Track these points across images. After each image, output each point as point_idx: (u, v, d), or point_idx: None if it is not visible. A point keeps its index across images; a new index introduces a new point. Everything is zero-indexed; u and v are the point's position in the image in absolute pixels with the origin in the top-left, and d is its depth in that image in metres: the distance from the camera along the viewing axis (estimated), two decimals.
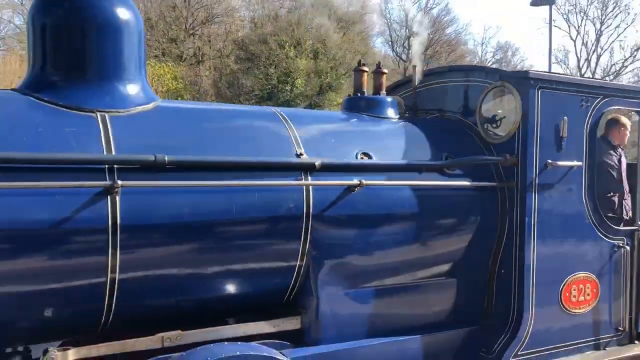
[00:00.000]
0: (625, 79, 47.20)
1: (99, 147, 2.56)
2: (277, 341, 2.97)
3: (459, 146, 3.54)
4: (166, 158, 2.59)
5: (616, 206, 3.93)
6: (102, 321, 2.66)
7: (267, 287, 3.01)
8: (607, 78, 47.37)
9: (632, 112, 3.98)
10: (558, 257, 3.53)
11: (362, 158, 3.15)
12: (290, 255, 2.96)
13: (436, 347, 3.31)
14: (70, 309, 2.59)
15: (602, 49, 47.17)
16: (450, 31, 54.26)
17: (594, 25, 47.12)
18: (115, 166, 2.53)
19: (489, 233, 3.48)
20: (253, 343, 2.82)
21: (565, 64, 46.50)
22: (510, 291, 3.47)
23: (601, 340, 3.77)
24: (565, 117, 3.46)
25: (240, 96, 33.85)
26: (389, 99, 3.67)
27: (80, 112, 2.65)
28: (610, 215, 3.86)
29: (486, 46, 55.08)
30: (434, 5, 51.73)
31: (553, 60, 51.76)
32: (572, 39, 47.42)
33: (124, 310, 2.65)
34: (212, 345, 2.64)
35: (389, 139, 3.41)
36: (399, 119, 3.65)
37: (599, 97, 3.63)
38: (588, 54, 47.59)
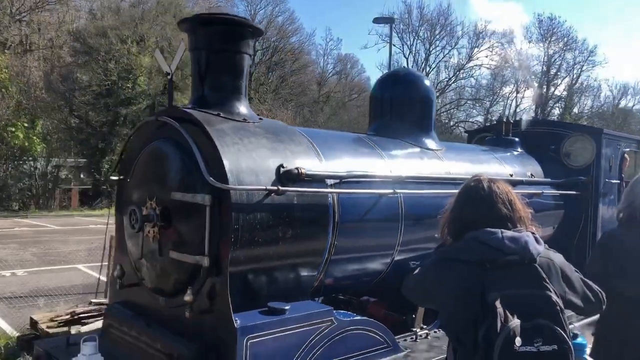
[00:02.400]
0: (449, 96, 55.77)
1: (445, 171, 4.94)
2: None
3: (559, 169, 6.45)
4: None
5: None
6: None
7: None
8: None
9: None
10: None
11: (531, 176, 5.89)
12: None
13: None
14: None
15: (430, 67, 55.16)
16: (295, 40, 58.44)
17: (424, 45, 54.98)
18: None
19: (577, 222, 6.43)
20: None
21: None
22: (584, 257, 6.45)
23: None
24: (612, 155, 6.59)
25: (75, 91, 33.39)
26: (517, 139, 6.45)
27: (429, 150, 4.98)
28: None
29: (327, 57, 60.25)
30: (279, 14, 55.19)
31: None
32: (405, 56, 54.65)
33: None
34: None
35: (530, 164, 6.19)
36: (523, 152, 6.44)
37: (622, 142, 6.84)
38: (419, 71, 55.25)
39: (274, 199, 3.49)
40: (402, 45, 53.41)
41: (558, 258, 2.32)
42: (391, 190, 4.20)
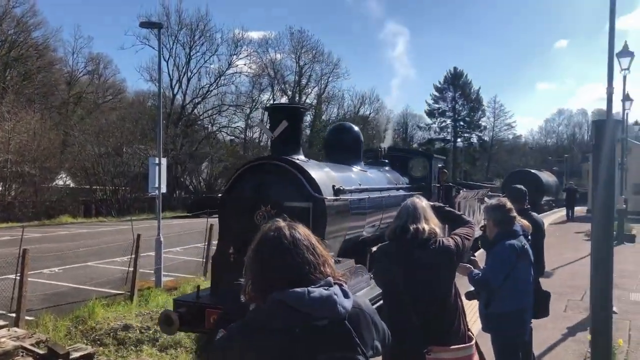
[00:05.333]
0: (211, 102, 59.87)
1: (394, 181, 9.13)
2: None
3: (409, 178, 11.08)
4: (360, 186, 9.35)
5: None
6: None
7: None
8: (196, 99, 58.88)
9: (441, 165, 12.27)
10: None
11: (401, 183, 10.37)
12: None
13: None
14: None
15: (192, 72, 58.56)
16: (39, 34, 56.54)
17: (184, 49, 58.14)
18: (380, 189, 9.15)
19: None
20: None
21: (159, 83, 55.41)
22: None
23: None
24: (435, 169, 11.46)
25: None
26: (386, 160, 10.87)
27: (362, 170, 9.11)
28: None
29: (77, 55, 59.58)
30: (17, 4, 53.16)
31: (147, 78, 59.66)
32: (164, 59, 57.14)
33: None
34: None
35: (397, 175, 10.66)
36: (390, 168, 10.86)
37: (439, 161, 11.77)
38: (180, 76, 58.21)
39: (334, 203, 7.24)
40: (162, 48, 55.66)
41: (366, 305, 2.33)
42: (366, 196, 8.22)
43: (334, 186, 7.34)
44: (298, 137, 7.57)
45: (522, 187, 6.90)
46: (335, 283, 2.19)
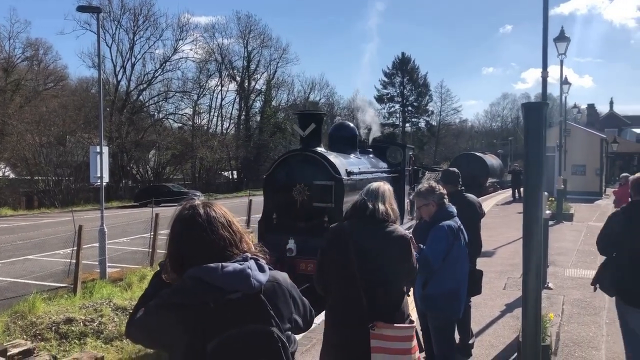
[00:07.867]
0: (157, 88, 62.08)
1: (377, 166, 12.85)
2: None
3: (388, 164, 14.82)
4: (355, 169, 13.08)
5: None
6: None
7: None
8: (141, 86, 60.95)
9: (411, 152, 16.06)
10: None
11: (383, 167, 14.12)
12: None
13: None
14: None
15: (136, 58, 60.47)
16: None
17: (128, 34, 60.02)
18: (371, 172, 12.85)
19: (395, 190, 14.83)
20: None
21: (103, 71, 57.00)
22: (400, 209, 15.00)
23: None
24: (408, 156, 15.24)
25: None
26: (370, 149, 14.56)
27: (357, 158, 12.80)
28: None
29: (14, 41, 60.58)
30: None
31: (90, 64, 61.17)
32: (107, 45, 58.77)
33: None
34: None
35: (380, 161, 14.41)
36: (374, 156, 14.56)
37: (411, 150, 15.55)
38: (124, 62, 60.08)
39: (348, 182, 10.86)
40: (105, 33, 57.47)
41: (283, 278, 2.47)
42: (365, 177, 11.88)
43: (346, 169, 10.96)
44: (320, 135, 11.17)
45: (455, 169, 7.25)
46: (251, 258, 2.34)
